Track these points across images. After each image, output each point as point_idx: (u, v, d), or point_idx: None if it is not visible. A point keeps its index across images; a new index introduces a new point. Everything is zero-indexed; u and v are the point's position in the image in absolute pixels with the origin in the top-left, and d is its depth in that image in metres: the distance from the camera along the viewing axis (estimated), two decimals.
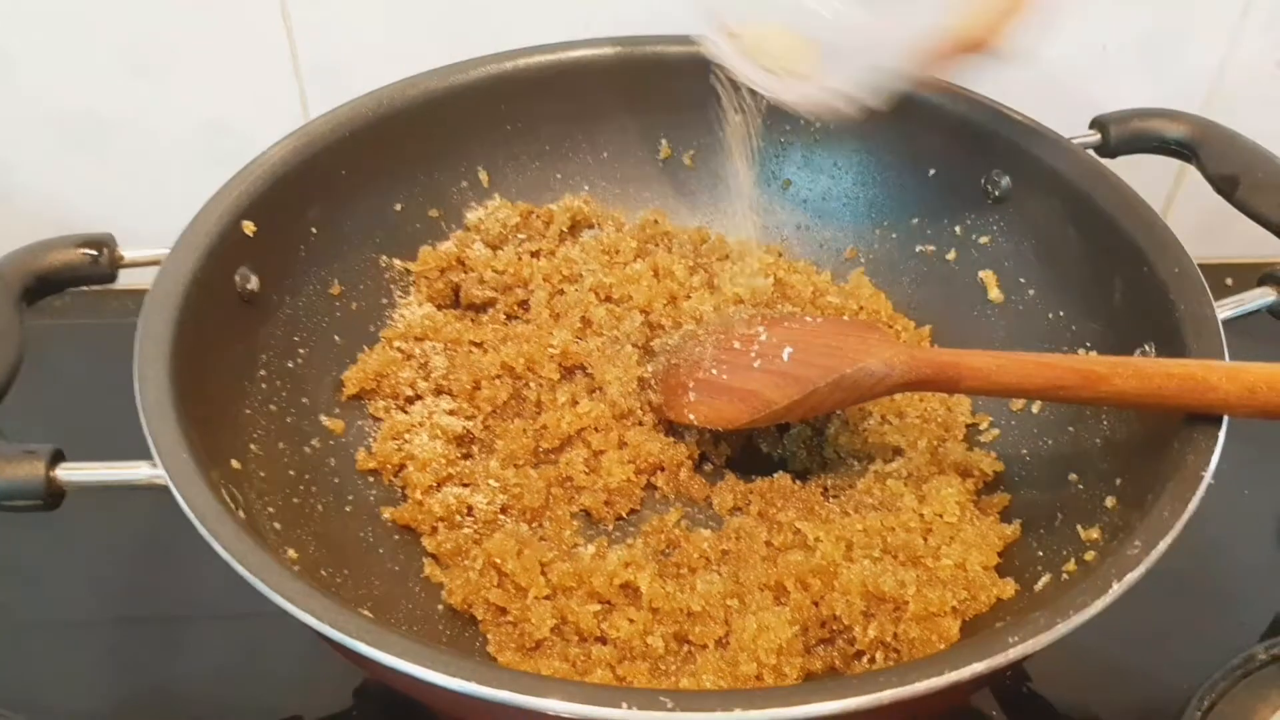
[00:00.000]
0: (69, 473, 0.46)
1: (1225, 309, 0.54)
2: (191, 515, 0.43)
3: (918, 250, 0.69)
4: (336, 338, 0.64)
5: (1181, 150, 0.63)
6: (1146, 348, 0.55)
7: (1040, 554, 0.54)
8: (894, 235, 0.70)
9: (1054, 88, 0.67)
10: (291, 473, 0.57)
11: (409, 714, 0.59)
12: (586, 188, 0.72)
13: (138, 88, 0.75)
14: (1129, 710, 0.60)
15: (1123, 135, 0.64)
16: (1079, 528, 0.52)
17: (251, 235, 0.58)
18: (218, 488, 0.46)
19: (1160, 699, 0.59)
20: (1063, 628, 0.40)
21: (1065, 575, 0.51)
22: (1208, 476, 0.45)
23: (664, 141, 0.72)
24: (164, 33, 0.73)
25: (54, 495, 0.46)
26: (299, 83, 0.75)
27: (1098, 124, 0.64)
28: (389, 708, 0.59)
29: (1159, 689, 0.60)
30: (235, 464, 0.52)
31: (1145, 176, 0.60)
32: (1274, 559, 0.67)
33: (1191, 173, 0.64)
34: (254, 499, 0.52)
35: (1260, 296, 0.55)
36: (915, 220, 0.70)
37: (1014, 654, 0.38)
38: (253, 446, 0.55)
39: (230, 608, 0.62)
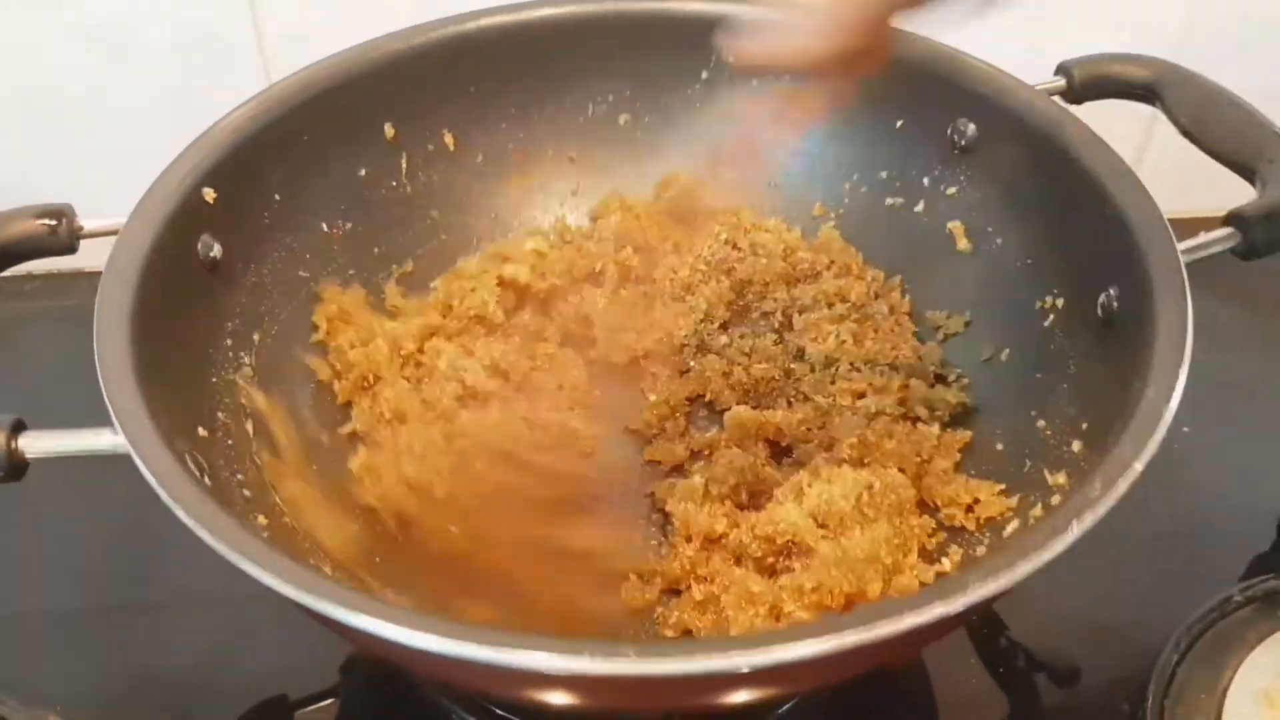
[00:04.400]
0: (31, 442, 0.46)
1: (1189, 251, 0.54)
2: (152, 480, 0.43)
3: (887, 204, 0.69)
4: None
5: (1146, 93, 0.62)
6: (1111, 291, 0.55)
7: (1011, 502, 0.55)
8: (863, 189, 0.70)
9: (1021, 35, 0.66)
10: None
11: (393, 689, 0.59)
12: (551, 150, 0.72)
13: (94, 58, 0.74)
14: (1108, 655, 0.60)
15: (1087, 80, 0.63)
16: (1046, 473, 0.53)
17: (212, 202, 0.57)
18: (181, 454, 0.46)
19: (1139, 643, 0.59)
20: (1022, 569, 0.40)
21: (1033, 521, 0.51)
22: (1168, 416, 0.45)
23: (630, 101, 0.71)
24: (122, 3, 0.72)
25: (16, 466, 0.45)
26: (262, 52, 0.74)
27: (1062, 70, 0.64)
28: (374, 684, 0.60)
29: (1138, 634, 0.60)
30: (202, 431, 0.52)
31: (1116, 130, 0.60)
32: (1248, 505, 0.68)
33: (1163, 126, 0.64)
34: (221, 466, 0.52)
35: (1224, 239, 0.55)
36: (883, 174, 0.69)
37: (973, 596, 0.39)
38: (220, 415, 0.55)
39: (211, 593, 0.62)
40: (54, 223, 0.55)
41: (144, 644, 0.61)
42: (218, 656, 0.61)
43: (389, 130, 0.67)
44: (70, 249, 0.56)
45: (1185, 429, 0.69)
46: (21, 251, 0.55)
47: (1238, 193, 0.59)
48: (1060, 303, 0.59)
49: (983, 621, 0.61)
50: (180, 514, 0.42)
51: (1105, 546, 0.56)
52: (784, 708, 0.55)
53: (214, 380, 0.56)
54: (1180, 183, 0.66)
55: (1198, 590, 0.60)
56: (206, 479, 0.47)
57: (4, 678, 0.58)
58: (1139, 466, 0.43)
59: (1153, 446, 0.44)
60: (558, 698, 0.43)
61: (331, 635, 0.56)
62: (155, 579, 0.64)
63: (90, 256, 0.57)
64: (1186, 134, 0.60)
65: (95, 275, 0.53)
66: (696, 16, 0.69)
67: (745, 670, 0.37)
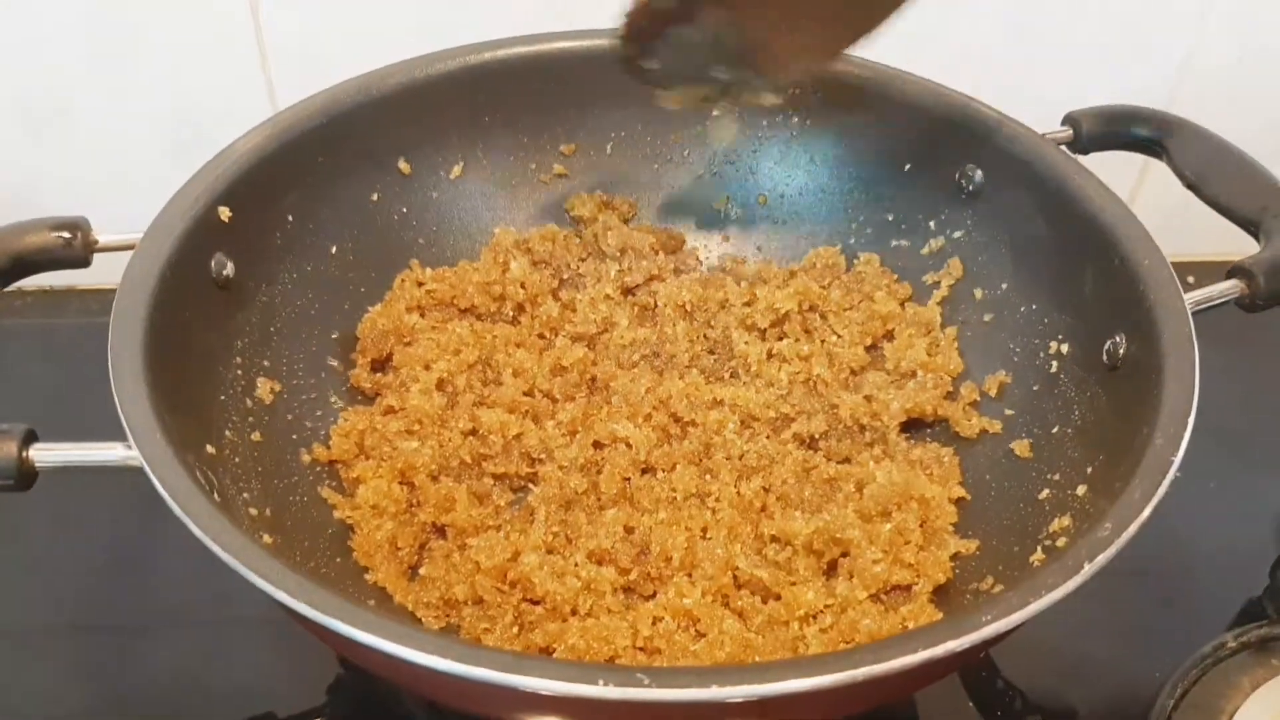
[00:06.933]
0: (41, 453, 0.46)
1: (1194, 301, 0.55)
2: (165, 495, 0.43)
3: (893, 245, 0.70)
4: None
5: (1152, 146, 0.64)
6: (1118, 338, 0.55)
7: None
8: (869, 230, 0.71)
9: (1026, 85, 0.68)
10: (267, 462, 0.57)
11: (381, 708, 0.59)
12: (563, 182, 0.72)
13: (100, 75, 0.74)
14: (1103, 700, 0.61)
15: (1094, 132, 0.64)
16: (1054, 517, 0.53)
17: (227, 221, 0.57)
18: (192, 469, 0.46)
19: (1134, 688, 0.60)
20: (1035, 606, 0.40)
21: (1035, 564, 0.52)
22: (1177, 460, 0.45)
23: (641, 134, 0.72)
24: (127, 17, 0.72)
25: (26, 475, 0.45)
26: (266, 71, 0.75)
27: (1070, 120, 0.65)
28: (362, 703, 0.59)
29: (1132, 679, 0.61)
30: (210, 449, 0.52)
31: (1108, 176, 0.61)
32: (1241, 550, 0.68)
33: (1154, 172, 0.65)
34: (228, 484, 0.52)
35: (1228, 290, 0.56)
36: (890, 216, 0.70)
37: (988, 632, 0.39)
38: (228, 433, 0.55)
39: (197, 613, 0.62)
40: (69, 235, 0.55)
41: (129, 663, 0.61)
42: (204, 676, 0.60)
43: (402, 156, 0.67)
44: (84, 262, 0.56)
45: (1177, 474, 0.70)
46: (36, 263, 0.55)
47: (1225, 240, 0.60)
48: (1066, 348, 0.59)
49: (976, 665, 0.61)
50: (193, 528, 0.42)
51: (1100, 593, 0.56)
52: None
53: (223, 398, 0.56)
54: (1170, 229, 0.66)
55: (1191, 634, 0.61)
56: (216, 495, 0.47)
57: None
58: (1148, 511, 0.44)
59: (1161, 491, 0.44)
60: None
61: (318, 655, 0.56)
62: (140, 599, 0.64)
63: (86, 276, 0.57)
64: (1191, 187, 0.62)
65: (89, 294, 0.54)
66: None
67: (756, 699, 0.38)
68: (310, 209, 0.63)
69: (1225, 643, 0.60)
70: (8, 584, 0.64)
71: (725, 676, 0.37)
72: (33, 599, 0.64)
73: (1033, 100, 0.65)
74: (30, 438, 0.46)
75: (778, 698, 0.38)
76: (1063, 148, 0.64)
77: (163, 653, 0.61)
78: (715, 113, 0.70)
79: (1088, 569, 0.41)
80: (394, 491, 0.57)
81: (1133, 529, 0.43)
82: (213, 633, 0.62)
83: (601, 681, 0.37)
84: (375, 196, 0.67)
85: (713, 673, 0.38)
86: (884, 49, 0.68)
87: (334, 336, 0.65)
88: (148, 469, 0.44)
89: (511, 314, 0.68)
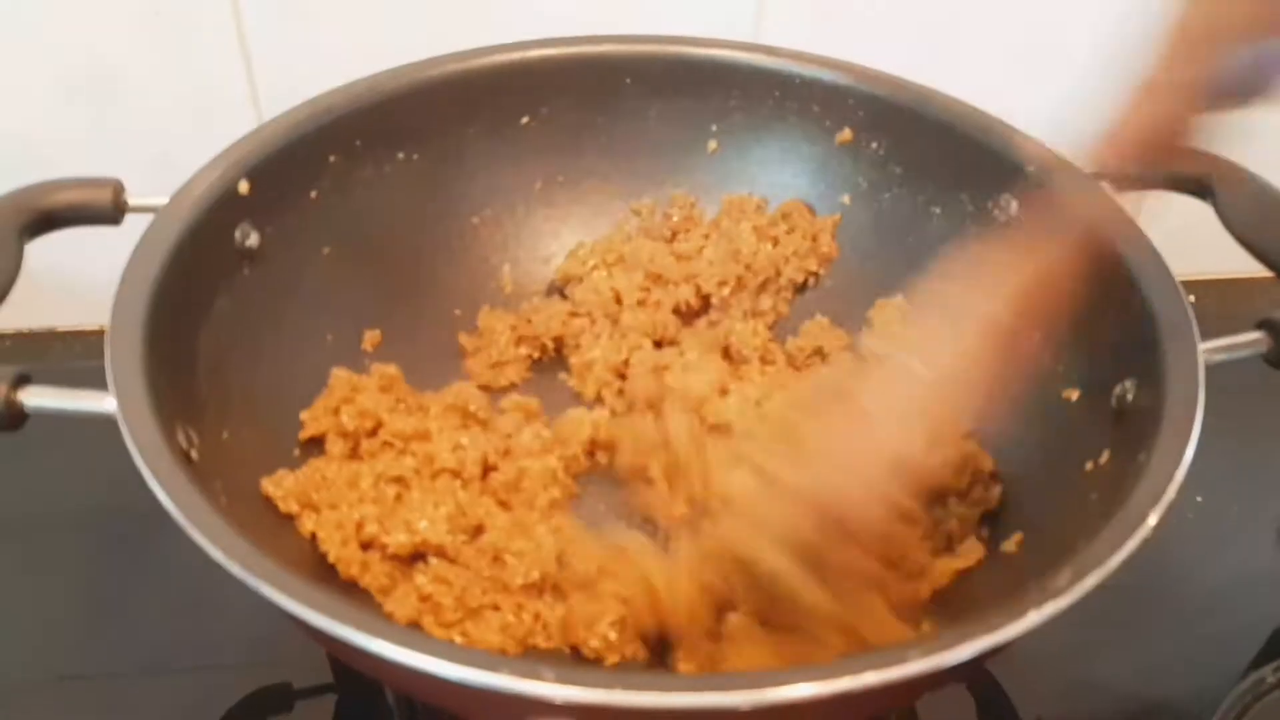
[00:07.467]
0: (31, 397, 0.47)
1: (1217, 352, 0.52)
2: (133, 446, 0.44)
3: None
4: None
5: (1198, 188, 0.60)
6: (1126, 384, 0.53)
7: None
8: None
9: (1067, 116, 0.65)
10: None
11: None
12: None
13: (78, 116, 0.73)
14: None
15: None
16: None
17: (247, 194, 0.58)
18: (172, 425, 0.47)
19: None
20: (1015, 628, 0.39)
21: None
22: (1145, 530, 0.43)
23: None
24: (107, 60, 0.71)
25: (14, 416, 0.47)
26: (257, 108, 0.74)
27: None
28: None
29: (1165, 715, 0.60)
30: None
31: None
32: (1263, 576, 0.67)
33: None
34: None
35: (1255, 344, 0.53)
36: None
37: (974, 647, 0.38)
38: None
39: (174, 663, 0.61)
40: (103, 192, 0.57)
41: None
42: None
43: (414, 152, 0.67)
44: (115, 220, 0.57)
45: (1199, 499, 0.68)
46: (66, 217, 0.56)
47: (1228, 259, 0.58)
48: (1076, 395, 0.57)
49: (998, 709, 0.60)
50: (152, 482, 0.43)
51: (1120, 628, 0.59)
52: None
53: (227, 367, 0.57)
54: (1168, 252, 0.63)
55: (1221, 669, 0.60)
56: (194, 453, 0.48)
57: None
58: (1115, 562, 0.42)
59: (1117, 560, 0.42)
60: None
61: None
62: (119, 647, 0.62)
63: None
64: (1235, 234, 0.58)
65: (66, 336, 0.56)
66: (708, 61, 0.69)
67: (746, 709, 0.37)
68: (338, 191, 0.64)
69: (1264, 679, 0.58)
70: None
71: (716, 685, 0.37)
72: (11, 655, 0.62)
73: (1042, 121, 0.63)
74: (23, 380, 0.47)
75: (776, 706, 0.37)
76: (1104, 183, 0.61)
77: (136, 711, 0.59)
78: None
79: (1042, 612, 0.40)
80: None
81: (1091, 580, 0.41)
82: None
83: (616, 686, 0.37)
84: (394, 189, 0.66)
85: (714, 680, 0.38)
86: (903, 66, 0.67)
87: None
88: (121, 420, 0.45)
89: None
